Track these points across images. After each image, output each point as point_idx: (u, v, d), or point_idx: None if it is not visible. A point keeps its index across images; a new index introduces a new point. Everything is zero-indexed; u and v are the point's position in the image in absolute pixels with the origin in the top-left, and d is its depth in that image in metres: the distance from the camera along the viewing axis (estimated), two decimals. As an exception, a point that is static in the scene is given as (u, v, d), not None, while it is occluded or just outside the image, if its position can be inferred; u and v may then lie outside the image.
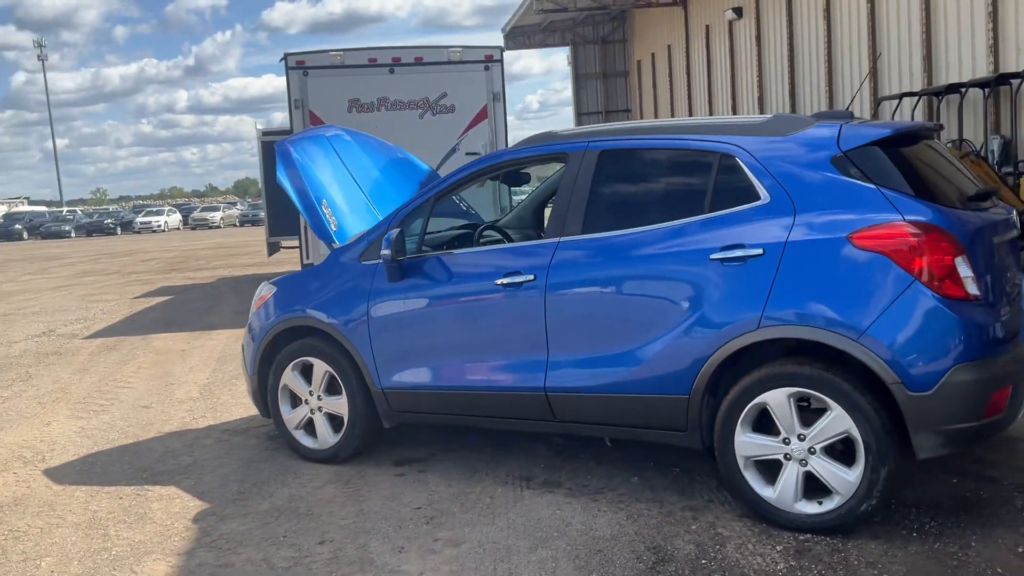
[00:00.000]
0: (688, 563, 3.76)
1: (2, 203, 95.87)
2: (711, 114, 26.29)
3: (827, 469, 3.91)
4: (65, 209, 73.34)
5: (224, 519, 4.62)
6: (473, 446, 5.47)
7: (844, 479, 3.87)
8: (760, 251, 4.01)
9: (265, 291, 5.68)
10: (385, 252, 4.84)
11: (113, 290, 17.43)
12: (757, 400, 4.01)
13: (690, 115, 27.31)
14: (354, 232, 5.55)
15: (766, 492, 4.05)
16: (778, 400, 3.97)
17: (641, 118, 33.00)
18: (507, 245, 4.97)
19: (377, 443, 5.50)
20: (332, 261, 5.37)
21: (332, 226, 5.50)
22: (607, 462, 5.04)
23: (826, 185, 4.00)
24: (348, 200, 5.73)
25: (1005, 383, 3.79)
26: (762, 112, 22.66)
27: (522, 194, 8.36)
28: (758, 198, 4.11)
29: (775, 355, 4.06)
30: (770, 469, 4.07)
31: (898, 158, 4.05)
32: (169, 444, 6.05)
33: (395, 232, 4.87)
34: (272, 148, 6.22)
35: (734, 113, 24.47)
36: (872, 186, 3.92)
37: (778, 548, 3.85)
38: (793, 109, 20.57)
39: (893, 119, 15.37)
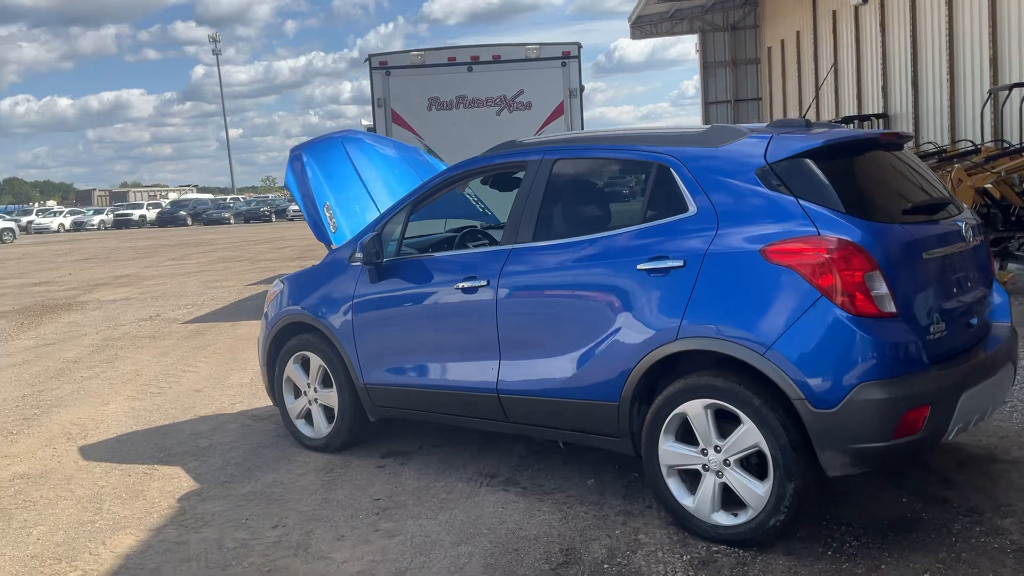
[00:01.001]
0: (591, 567, 3.86)
1: (172, 191, 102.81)
2: (836, 104, 25.38)
3: (740, 482, 3.92)
4: (228, 197, 77.76)
5: (205, 500, 5.02)
6: (460, 443, 5.68)
7: (755, 493, 3.88)
8: (681, 263, 4.05)
9: (276, 287, 6.06)
10: (358, 255, 5.12)
11: (235, 277, 18.54)
12: (678, 410, 4.06)
13: (816, 105, 26.41)
14: (353, 234, 5.85)
15: (686, 501, 4.09)
16: (696, 411, 4.00)
17: (771, 106, 32.13)
18: (469, 251, 5.14)
19: (373, 434, 5.79)
20: (328, 262, 5.69)
21: (331, 228, 5.83)
22: (574, 464, 5.15)
23: (748, 198, 3.99)
24: (352, 203, 6.04)
25: (921, 402, 3.68)
26: (886, 104, 21.73)
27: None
28: (686, 209, 4.14)
29: (704, 366, 4.09)
30: (692, 479, 4.11)
31: (833, 169, 3.98)
32: (198, 427, 6.55)
33: (368, 236, 5.14)
34: None
35: (858, 103, 23.54)
36: (792, 199, 3.89)
37: (685, 558, 3.89)
38: (915, 100, 19.64)
39: (1001, 110, 14.51)
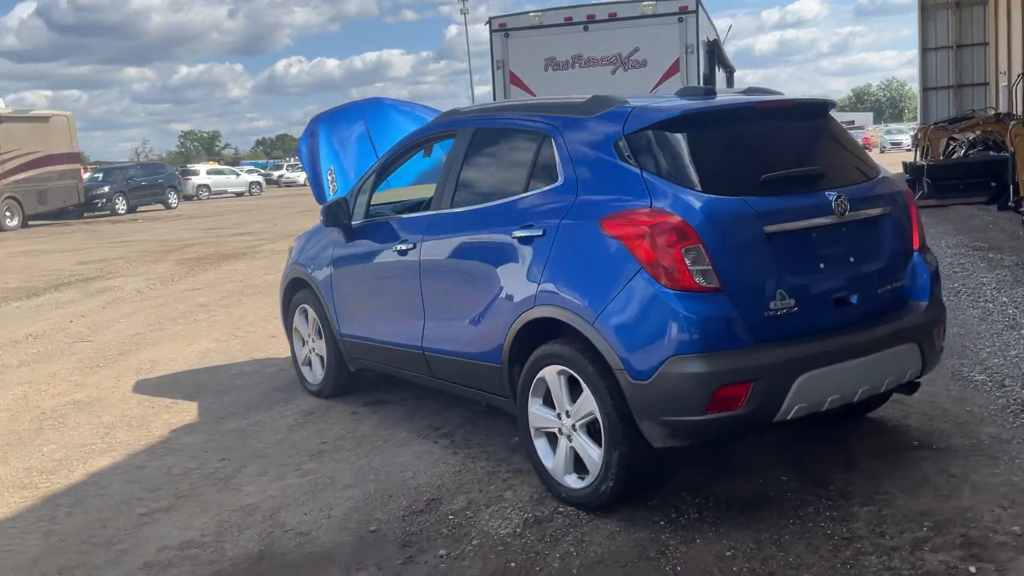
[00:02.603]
0: (437, 516, 4.12)
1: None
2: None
3: (583, 447, 4.03)
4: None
5: (192, 432, 5.70)
6: (440, 395, 6.00)
7: (592, 459, 3.98)
8: (541, 232, 4.16)
9: (293, 243, 6.63)
10: (321, 219, 5.55)
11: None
12: (539, 375, 4.20)
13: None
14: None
15: (548, 463, 4.24)
16: (552, 376, 4.13)
17: (996, 52, 29.28)
18: (407, 216, 5.40)
19: (368, 384, 6.23)
20: (322, 223, 6.16)
21: (332, 192, 6.29)
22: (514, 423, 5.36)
23: (602, 168, 4.03)
24: (358, 168, 6.46)
25: (739, 379, 3.62)
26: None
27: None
28: (556, 179, 4.22)
29: (564, 333, 4.17)
30: (553, 442, 4.25)
31: (689, 140, 3.93)
32: (243, 369, 7.30)
33: (330, 202, 5.56)
34: None
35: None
36: (637, 171, 3.89)
37: (526, 516, 4.06)
38: None
39: None
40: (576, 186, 4.11)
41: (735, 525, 3.82)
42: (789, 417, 3.77)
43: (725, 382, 3.62)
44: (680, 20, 11.86)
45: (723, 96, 4.40)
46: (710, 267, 3.65)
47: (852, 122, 65.13)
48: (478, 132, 4.88)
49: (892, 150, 48.20)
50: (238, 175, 52.28)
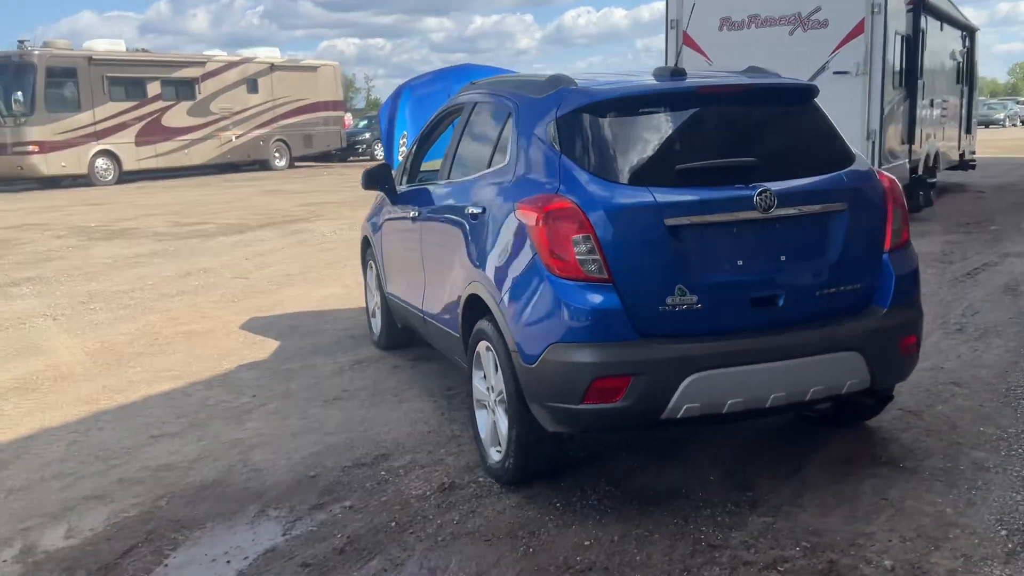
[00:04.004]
0: (375, 470, 4.41)
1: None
2: None
3: (500, 422, 4.14)
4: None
5: (252, 368, 6.33)
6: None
7: (503, 434, 4.08)
8: (482, 210, 4.26)
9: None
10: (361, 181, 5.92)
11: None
12: (476, 349, 4.34)
13: None
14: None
15: (482, 433, 4.39)
16: (483, 351, 4.26)
17: None
18: (421, 185, 5.59)
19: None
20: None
21: (400, 156, 6.63)
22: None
23: (535, 150, 4.06)
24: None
25: (618, 372, 3.58)
26: None
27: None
28: (505, 158, 4.29)
29: None
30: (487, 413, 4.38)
31: (613, 125, 3.88)
32: (342, 315, 7.88)
33: (371, 167, 5.90)
34: None
35: None
36: (556, 155, 3.89)
37: (444, 481, 4.25)
38: None
39: None
40: (515, 166, 4.16)
41: (621, 517, 3.80)
42: (680, 416, 3.66)
43: (602, 374, 3.60)
44: (867, -24, 10.96)
45: (690, 79, 4.21)
46: (599, 257, 3.62)
47: None
48: (475, 107, 5.01)
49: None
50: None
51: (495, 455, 4.22)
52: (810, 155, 4.05)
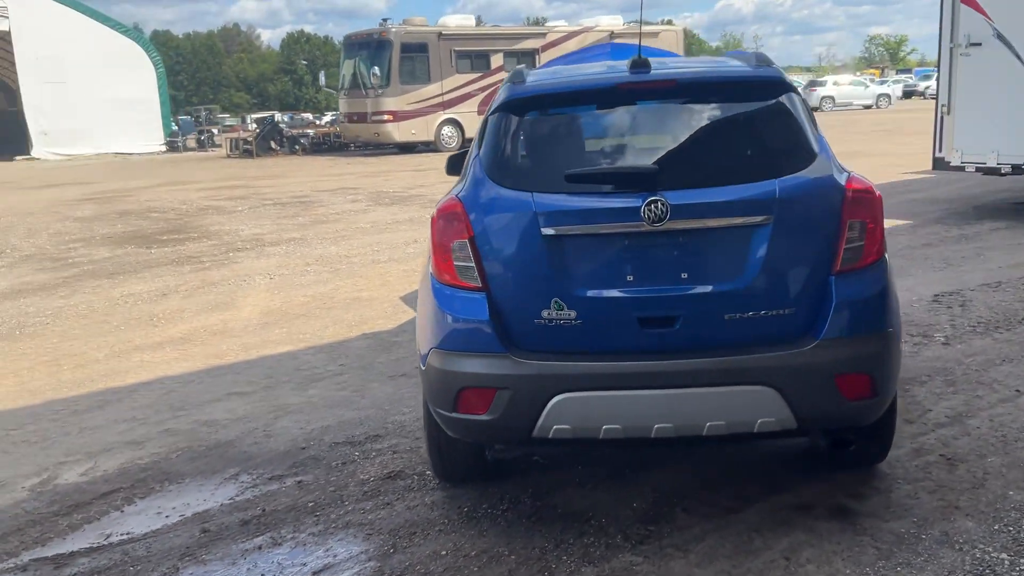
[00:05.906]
0: (352, 451, 4.63)
1: None
2: None
3: (435, 420, 4.16)
4: None
5: (366, 339, 6.79)
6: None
7: (432, 433, 4.10)
8: None
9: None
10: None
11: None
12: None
13: None
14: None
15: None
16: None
17: None
18: None
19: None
20: None
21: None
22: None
23: (474, 147, 3.96)
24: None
25: (483, 384, 3.45)
26: None
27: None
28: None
29: None
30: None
31: (529, 124, 3.71)
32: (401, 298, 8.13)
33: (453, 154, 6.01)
34: None
35: None
36: (477, 154, 3.79)
37: (389, 470, 4.36)
38: None
39: None
40: (470, 160, 4.10)
41: (503, 532, 3.69)
42: (551, 436, 3.45)
43: (469, 384, 3.49)
44: None
45: (633, 73, 3.78)
46: (474, 264, 3.50)
47: None
48: None
49: None
50: (866, 87, 50.58)
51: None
52: (742, 159, 3.54)
